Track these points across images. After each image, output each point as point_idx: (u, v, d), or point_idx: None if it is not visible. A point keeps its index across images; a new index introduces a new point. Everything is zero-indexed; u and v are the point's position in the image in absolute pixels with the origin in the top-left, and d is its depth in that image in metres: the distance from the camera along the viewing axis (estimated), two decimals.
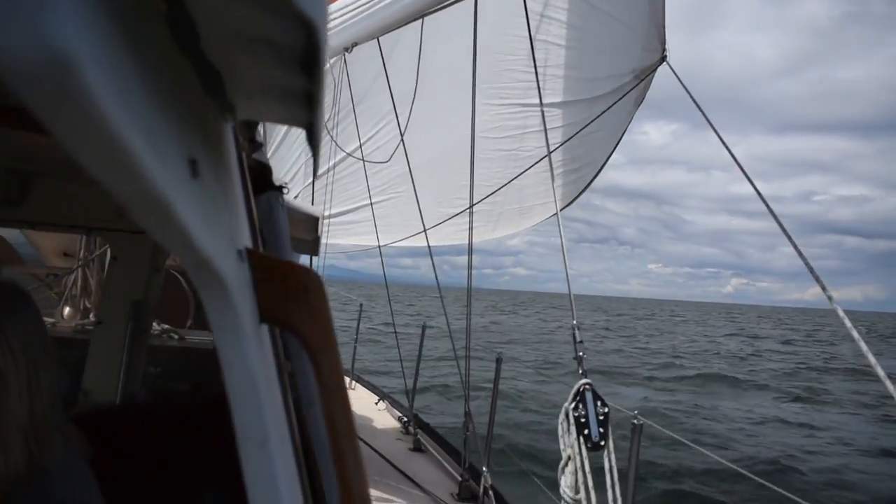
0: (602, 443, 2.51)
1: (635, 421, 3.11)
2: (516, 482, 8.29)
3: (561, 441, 2.57)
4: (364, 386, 8.35)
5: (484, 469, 4.41)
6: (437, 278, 5.19)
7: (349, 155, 7.47)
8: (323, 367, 0.80)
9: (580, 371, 2.62)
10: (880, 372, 2.06)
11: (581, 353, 2.69)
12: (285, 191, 1.86)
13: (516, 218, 8.34)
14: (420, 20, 5.58)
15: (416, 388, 6.65)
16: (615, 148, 6.97)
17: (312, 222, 2.92)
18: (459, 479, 4.97)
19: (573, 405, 2.53)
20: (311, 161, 7.47)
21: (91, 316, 4.92)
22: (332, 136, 7.44)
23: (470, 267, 4.86)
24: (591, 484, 2.48)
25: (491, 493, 4.34)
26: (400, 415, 6.90)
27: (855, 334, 2.16)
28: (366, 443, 5.57)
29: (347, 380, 8.21)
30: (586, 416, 2.52)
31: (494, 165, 7.85)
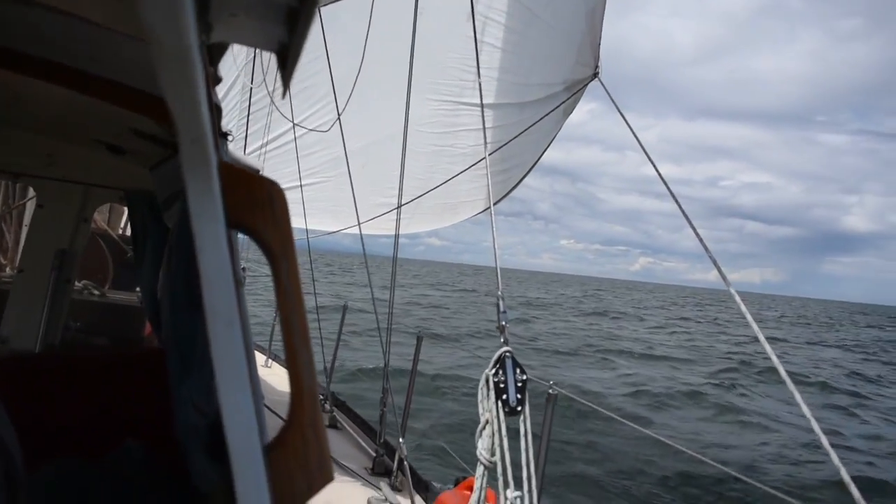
0: (519, 408, 2.66)
1: (550, 391, 3.30)
2: (432, 456, 8.53)
3: (480, 406, 2.71)
4: (280, 364, 8.31)
5: (400, 440, 4.51)
6: (370, 283, 5.27)
7: (295, 124, 7.40)
8: (282, 272, 0.89)
9: (502, 339, 2.77)
10: (768, 347, 2.20)
11: (504, 323, 2.84)
12: (230, 138, 1.91)
13: (444, 213, 8.49)
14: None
15: (335, 368, 6.69)
16: (543, 152, 7.21)
17: None
18: (374, 454, 5.06)
19: (493, 371, 2.67)
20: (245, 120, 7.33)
21: (7, 269, 4.78)
22: (271, 100, 7.41)
23: (395, 262, 4.99)
24: (506, 446, 2.62)
25: (406, 465, 4.45)
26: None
27: (749, 318, 2.31)
28: (280, 417, 5.57)
29: (263, 358, 8.17)
30: (505, 382, 2.66)
31: (427, 160, 7.98)
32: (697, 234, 2.43)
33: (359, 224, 6.02)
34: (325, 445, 0.90)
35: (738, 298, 2.36)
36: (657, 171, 2.84)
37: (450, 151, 7.89)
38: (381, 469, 4.89)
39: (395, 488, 4.53)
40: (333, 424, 6.02)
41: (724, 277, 2.46)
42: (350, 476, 4.74)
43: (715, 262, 2.37)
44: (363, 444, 5.53)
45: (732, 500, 10.10)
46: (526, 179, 7.43)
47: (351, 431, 5.87)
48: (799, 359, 30.73)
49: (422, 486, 4.47)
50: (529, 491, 2.59)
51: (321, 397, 6.62)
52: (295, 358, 0.89)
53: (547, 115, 6.52)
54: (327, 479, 0.90)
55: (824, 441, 1.96)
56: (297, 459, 0.87)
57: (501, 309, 2.89)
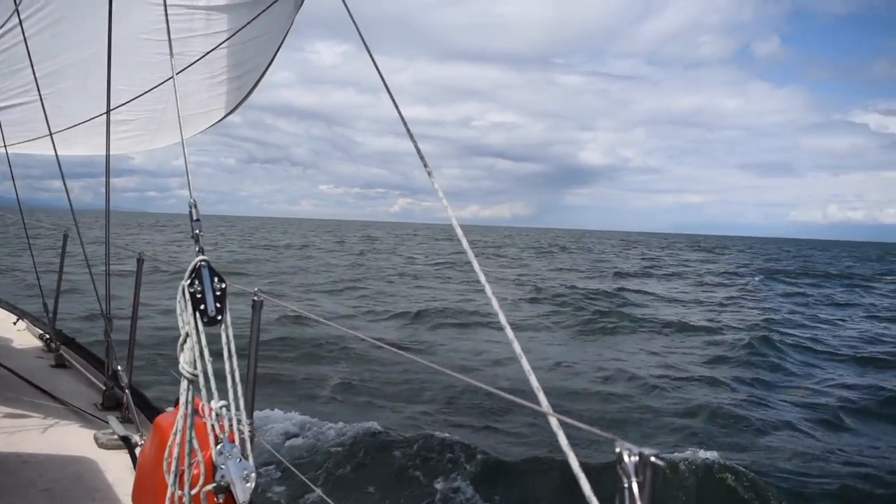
0: (219, 317, 2.54)
1: (256, 297, 3.21)
2: (160, 380, 8.35)
3: (179, 319, 2.54)
4: (0, 306, 7.46)
5: (119, 369, 4.23)
6: (15, 190, 4.72)
7: None
8: None
9: (197, 248, 2.61)
10: (482, 277, 2.14)
11: (198, 231, 2.68)
12: None
13: (178, 127, 7.86)
14: None
15: (59, 305, 6.08)
16: (276, 52, 6.86)
17: None
18: (104, 388, 4.72)
19: (189, 282, 2.51)
20: None
21: None
22: None
23: (108, 176, 4.60)
24: (207, 357, 2.50)
25: (128, 395, 4.20)
26: (41, 332, 6.31)
27: (470, 255, 2.20)
28: (1, 364, 5.03)
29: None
30: (202, 292, 2.52)
31: (158, 70, 7.28)
32: (429, 173, 2.37)
33: (51, 135, 5.36)
34: None
35: (465, 243, 2.20)
36: (397, 107, 2.71)
37: (183, 60, 7.24)
38: (111, 403, 4.58)
39: (127, 420, 4.26)
40: (61, 363, 5.53)
41: (450, 212, 2.34)
42: (76, 416, 4.38)
43: (443, 199, 2.29)
44: (93, 379, 5.15)
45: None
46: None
47: (81, 368, 5.43)
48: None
49: (155, 413, 4.24)
50: (235, 399, 2.52)
51: (46, 336, 6.03)
52: None
53: (271, 5, 6.14)
54: None
55: (524, 364, 1.93)
56: None
57: (195, 217, 2.72)
